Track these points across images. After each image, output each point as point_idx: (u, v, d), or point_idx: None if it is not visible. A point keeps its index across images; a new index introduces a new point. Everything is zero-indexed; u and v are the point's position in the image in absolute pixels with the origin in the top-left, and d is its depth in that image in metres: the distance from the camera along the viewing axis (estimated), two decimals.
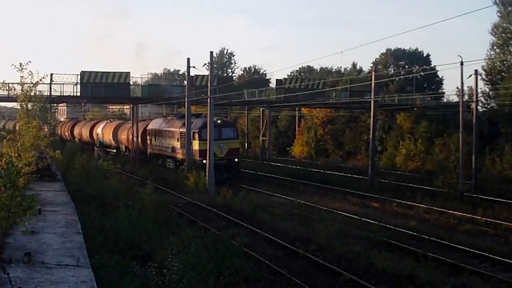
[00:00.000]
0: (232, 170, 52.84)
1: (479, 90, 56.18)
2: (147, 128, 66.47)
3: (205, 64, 48.89)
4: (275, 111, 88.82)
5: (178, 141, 56.70)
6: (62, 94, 61.83)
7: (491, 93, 72.18)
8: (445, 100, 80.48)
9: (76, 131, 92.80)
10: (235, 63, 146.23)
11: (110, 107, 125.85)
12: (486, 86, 73.11)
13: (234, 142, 54.22)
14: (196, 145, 52.83)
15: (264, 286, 20.79)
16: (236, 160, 53.31)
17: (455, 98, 71.70)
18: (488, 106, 70.93)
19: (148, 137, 66.22)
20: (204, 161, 48.01)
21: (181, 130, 55.61)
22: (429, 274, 21.41)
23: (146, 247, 23.43)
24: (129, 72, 63.63)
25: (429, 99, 76.35)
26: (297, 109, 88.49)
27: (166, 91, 66.87)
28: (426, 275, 21.33)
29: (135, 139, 67.56)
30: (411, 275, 22.25)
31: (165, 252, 20.52)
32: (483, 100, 72.90)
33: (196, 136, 52.79)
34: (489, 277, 22.09)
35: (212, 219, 34.51)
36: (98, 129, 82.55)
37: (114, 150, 77.47)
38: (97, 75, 62.19)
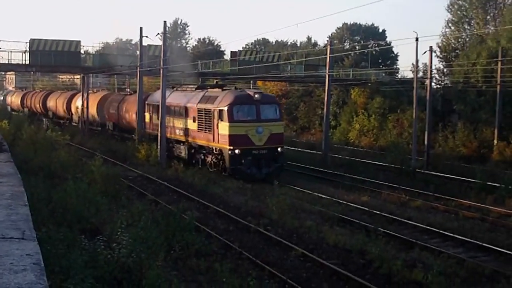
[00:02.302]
0: (275, 163, 39.07)
1: (433, 67, 56.69)
2: (147, 102, 52.40)
3: (158, 33, 48.30)
4: (229, 84, 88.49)
5: (195, 121, 42.80)
6: (10, 62, 60.74)
7: (445, 70, 72.87)
8: (399, 76, 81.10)
9: (28, 102, 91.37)
10: (189, 34, 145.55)
11: (61, 76, 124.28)
12: (441, 63, 73.77)
13: (277, 124, 39.69)
14: (224, 128, 38.72)
15: (215, 260, 20.78)
16: (279, 149, 39.08)
17: (409, 74, 72.37)
18: (442, 83, 71.68)
19: (147, 114, 52.28)
20: (237, 151, 37.91)
21: (200, 106, 42.26)
22: (380, 249, 21.59)
23: (95, 221, 23.31)
24: (80, 41, 62.52)
25: (383, 74, 76.80)
26: (251, 82, 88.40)
27: (117, 61, 65.97)
28: (377, 250, 21.50)
29: (85, 109, 66.75)
30: (362, 250, 22.46)
31: (114, 225, 20.37)
32: (437, 77, 73.68)
33: (225, 115, 38.63)
34: (439, 253, 22.36)
35: (163, 193, 34.41)
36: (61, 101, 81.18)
37: (76, 123, 71.99)
38: (47, 43, 60.90)
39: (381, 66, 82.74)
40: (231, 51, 73.45)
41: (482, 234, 25.69)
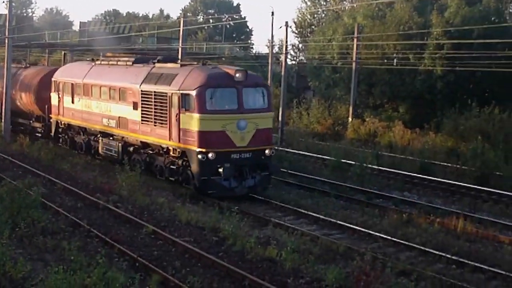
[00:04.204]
0: (261, 172, 28.57)
1: (289, 43, 57.52)
2: (55, 79, 40.82)
3: (3, 1, 46.81)
4: (78, 56, 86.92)
5: (136, 108, 31.79)
6: None
7: (300, 46, 74.14)
8: (254, 51, 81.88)
9: None
10: (35, 3, 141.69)
11: None
12: (296, 38, 75.03)
13: (265, 117, 28.97)
14: (190, 122, 27.79)
15: (62, 238, 20.47)
16: (267, 152, 28.51)
17: (265, 50, 73.19)
18: (298, 59, 72.91)
19: (54, 94, 40.85)
20: (211, 156, 27.04)
21: (145, 88, 30.97)
22: (233, 227, 21.79)
23: None
24: None
25: (238, 49, 77.35)
26: (101, 54, 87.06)
27: None
28: (230, 227, 21.69)
29: None
30: (215, 227, 22.61)
31: None
32: (292, 53, 74.90)
33: (192, 103, 27.60)
34: (293, 230, 22.79)
35: (7, 168, 33.61)
36: None
37: None
38: None
39: (235, 41, 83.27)
40: (80, 22, 72.35)
41: (336, 211, 26.32)
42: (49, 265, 17.50)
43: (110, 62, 37.27)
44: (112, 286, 15.43)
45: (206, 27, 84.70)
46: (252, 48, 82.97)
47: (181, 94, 28.12)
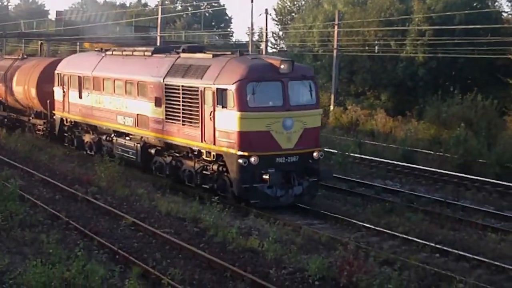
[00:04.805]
0: (309, 177, 25.31)
1: (269, 30, 57.47)
2: (58, 72, 37.49)
3: None
4: (54, 45, 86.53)
5: (159, 104, 28.46)
6: None
7: (281, 33, 74.09)
8: (234, 39, 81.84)
9: None
10: None
11: None
12: (277, 26, 74.97)
13: (313, 114, 25.91)
14: (229, 120, 24.50)
15: (41, 231, 20.38)
16: (315, 154, 25.40)
17: (245, 38, 73.06)
18: (278, 47, 72.88)
19: (58, 89, 37.52)
20: (254, 160, 23.86)
21: (170, 81, 27.66)
22: (214, 217, 21.75)
23: None
24: None
25: (217, 37, 77.22)
26: (78, 43, 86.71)
27: None
28: (211, 218, 21.65)
29: None
30: (196, 218, 22.55)
31: None
32: (273, 41, 74.82)
33: (231, 99, 24.36)
34: (274, 220, 22.78)
35: None
36: None
37: None
38: None
39: (214, 29, 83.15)
40: (56, 11, 71.89)
41: (319, 201, 26.33)
42: (28, 259, 17.39)
43: (125, 53, 33.68)
44: (91, 279, 15.36)
45: (184, 15, 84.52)
46: (231, 36, 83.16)
47: (217, 89, 24.79)
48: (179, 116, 27.15)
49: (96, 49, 37.79)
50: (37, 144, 37.97)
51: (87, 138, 35.18)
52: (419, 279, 17.12)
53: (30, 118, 42.08)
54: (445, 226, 23.01)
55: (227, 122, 24.50)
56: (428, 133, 42.37)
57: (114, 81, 31.98)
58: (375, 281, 16.23)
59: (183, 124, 26.93)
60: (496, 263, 18.77)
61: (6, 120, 45.81)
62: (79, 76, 34.97)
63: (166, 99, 27.81)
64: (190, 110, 26.46)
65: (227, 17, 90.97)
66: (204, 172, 26.27)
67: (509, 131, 41.90)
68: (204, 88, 25.46)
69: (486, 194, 28.43)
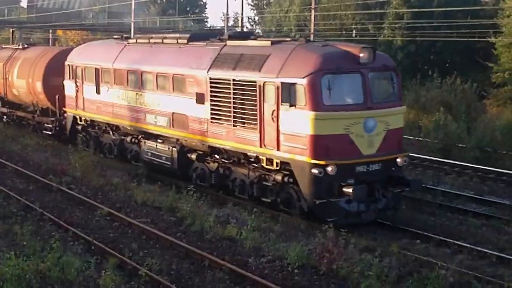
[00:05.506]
0: (392, 188, 21.44)
1: (245, 15, 57.32)
2: (69, 63, 33.17)
3: None
4: (26, 33, 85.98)
5: (201, 101, 24.43)
6: None
7: (257, 18, 73.94)
8: (209, 25, 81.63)
9: None
10: None
11: None
12: (252, 11, 74.82)
13: (396, 113, 22.02)
14: (300, 121, 20.53)
15: (14, 223, 20.27)
16: (398, 161, 21.47)
17: (220, 23, 72.92)
18: (254, 32, 72.70)
19: (69, 83, 33.26)
20: (331, 170, 19.94)
21: (216, 74, 23.75)
22: (191, 206, 21.70)
23: None
24: None
25: (192, 23, 77.02)
26: (51, 31, 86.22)
27: None
28: (188, 206, 21.60)
29: None
30: (172, 207, 22.49)
31: None
32: (249, 26, 74.65)
33: (302, 95, 20.40)
34: (252, 208, 22.74)
35: None
36: None
37: None
38: None
39: (189, 14, 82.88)
40: None
41: None
42: (1, 251, 17.30)
43: (152, 40, 29.44)
44: (67, 271, 15.33)
45: (159, 1, 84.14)
46: (206, 22, 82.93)
47: (282, 83, 20.86)
48: (229, 116, 23.17)
49: (115, 36, 34.35)
50: (10, 133, 37.71)
51: (106, 139, 31.27)
52: (400, 265, 17.14)
53: (35, 115, 38.20)
54: (425, 212, 23.05)
55: (296, 124, 20.57)
56: (408, 118, 42.45)
57: (141, 74, 27.94)
58: (356, 268, 16.29)
59: (234, 125, 22.98)
60: (477, 248, 18.86)
61: (6, 117, 42.48)
62: (96, 68, 30.94)
63: (212, 96, 23.88)
64: (244, 109, 22.54)
65: (202, 2, 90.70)
66: (263, 183, 22.45)
67: (489, 114, 42.08)
68: (264, 82, 21.52)
69: (467, 178, 28.49)
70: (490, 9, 51.21)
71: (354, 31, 56.04)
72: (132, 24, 51.11)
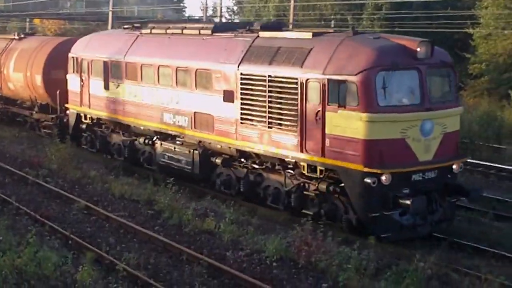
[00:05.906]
0: (449, 198, 19.80)
1: (223, 5, 57.23)
2: (74, 56, 30.68)
3: None
4: (2, 22, 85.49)
5: (229, 99, 22.30)
6: None
7: (235, 8, 73.83)
8: (187, 14, 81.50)
9: None
10: None
11: None
12: (231, 0, 74.57)
13: (453, 114, 20.09)
14: (352, 125, 18.41)
15: None
16: (454, 168, 19.73)
17: (199, 13, 72.79)
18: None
19: (73, 76, 30.72)
20: (385, 179, 17.98)
21: (246, 69, 21.71)
22: (169, 199, 21.68)
23: None
24: None
25: (170, 13, 76.89)
26: (27, 20, 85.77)
27: None
28: (166, 200, 21.58)
29: None
30: (150, 200, 22.47)
31: None
32: (227, 16, 74.54)
33: (354, 95, 18.37)
34: (231, 201, 22.77)
35: None
36: None
37: None
38: None
39: (168, 4, 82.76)
40: None
41: None
42: None
43: (170, 31, 26.74)
44: (44, 266, 15.25)
45: None
46: (184, 11, 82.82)
47: (329, 80, 18.91)
48: (263, 116, 21.07)
49: (125, 26, 31.09)
50: None
51: (115, 139, 29.11)
52: (379, 258, 17.21)
53: (33, 112, 35.87)
54: None
55: (346, 127, 18.58)
56: None
57: (158, 68, 25.60)
58: (334, 261, 16.34)
59: (269, 127, 20.91)
60: (456, 240, 18.94)
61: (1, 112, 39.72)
62: (104, 62, 28.62)
63: (242, 93, 21.78)
64: (281, 109, 20.54)
65: None
66: (303, 192, 20.41)
67: (466, 106, 42.26)
68: (307, 79, 19.53)
69: None
70: (468, 0, 51.37)
71: (333, 22, 56.13)
72: (110, 13, 50.90)
